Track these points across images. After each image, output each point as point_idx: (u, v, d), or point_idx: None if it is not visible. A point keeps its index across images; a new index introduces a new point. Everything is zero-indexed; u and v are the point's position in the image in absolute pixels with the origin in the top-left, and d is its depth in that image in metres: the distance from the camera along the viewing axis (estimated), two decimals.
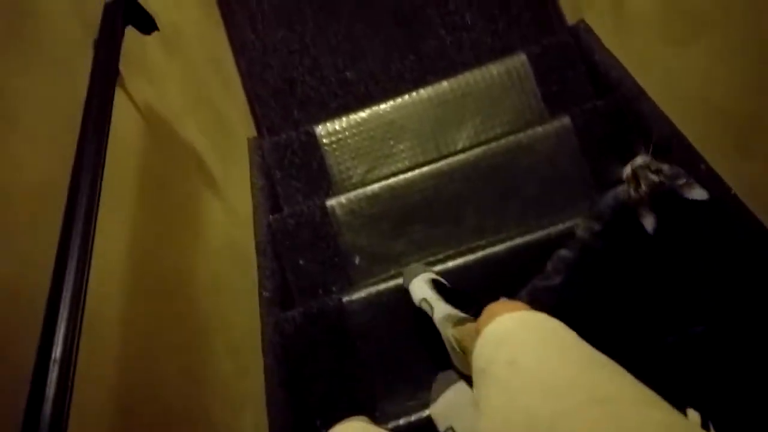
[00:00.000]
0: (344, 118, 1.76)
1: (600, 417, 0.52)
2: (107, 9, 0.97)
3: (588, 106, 1.52)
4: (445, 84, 1.74)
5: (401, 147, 1.73)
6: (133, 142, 1.03)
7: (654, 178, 1.12)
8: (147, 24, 1.05)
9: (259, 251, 1.46)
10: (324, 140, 1.75)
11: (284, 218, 1.54)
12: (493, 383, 0.63)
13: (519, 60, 1.73)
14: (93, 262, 0.72)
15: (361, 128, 1.75)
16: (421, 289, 1.27)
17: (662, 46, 1.32)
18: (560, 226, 1.34)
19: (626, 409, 0.52)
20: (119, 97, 1.01)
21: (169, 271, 1.04)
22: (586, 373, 0.58)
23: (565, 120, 1.52)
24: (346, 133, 1.75)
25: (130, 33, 1.06)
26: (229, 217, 1.37)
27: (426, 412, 1.19)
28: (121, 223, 0.94)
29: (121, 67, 1.01)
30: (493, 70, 1.74)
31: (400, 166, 1.72)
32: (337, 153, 1.75)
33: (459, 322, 1.13)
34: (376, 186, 1.55)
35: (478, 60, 1.91)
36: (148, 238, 0.99)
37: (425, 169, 1.54)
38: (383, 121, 1.75)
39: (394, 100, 1.76)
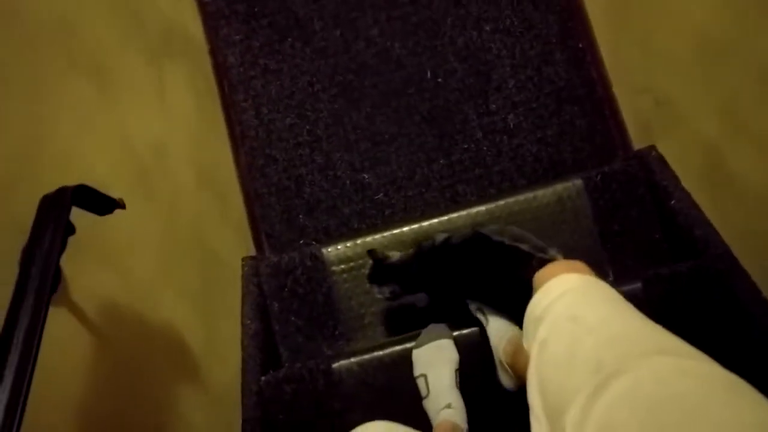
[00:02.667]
0: (359, 241, 1.46)
1: (666, 365, 0.54)
2: (41, 208, 0.67)
3: (665, 272, 1.23)
4: (482, 210, 1.45)
5: None
6: (76, 376, 0.73)
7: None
8: (104, 205, 0.75)
9: None
10: (333, 267, 1.45)
11: (279, 383, 1.23)
12: (553, 332, 0.66)
13: (574, 188, 1.44)
14: None
15: None
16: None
17: None
18: None
19: (690, 363, 0.55)
20: (57, 317, 0.71)
21: None
22: (646, 329, 0.61)
23: (636, 286, 1.23)
24: (360, 261, 1.45)
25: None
26: (212, 408, 1.07)
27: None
28: None
29: (65, 267, 0.72)
30: (542, 197, 1.45)
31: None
32: (347, 284, 1.45)
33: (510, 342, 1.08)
34: (396, 349, 1.25)
35: (520, 171, 1.62)
36: None
37: (460, 333, 1.24)
38: (406, 248, 1.45)
39: (419, 224, 1.46)
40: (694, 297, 1.19)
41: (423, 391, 1.18)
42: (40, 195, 0.70)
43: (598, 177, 1.43)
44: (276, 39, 1.73)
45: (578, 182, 1.44)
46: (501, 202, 1.44)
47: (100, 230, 0.83)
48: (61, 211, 0.65)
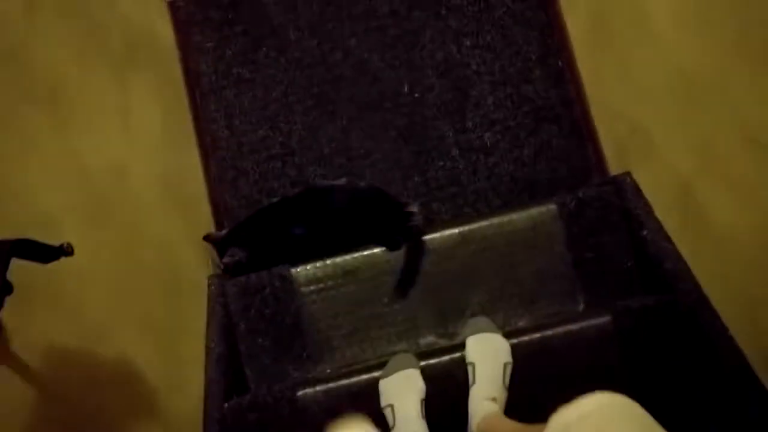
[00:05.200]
0: (329, 262, 1.43)
1: None
2: None
3: (636, 305, 1.22)
4: (456, 232, 1.43)
5: (396, 307, 1.41)
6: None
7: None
8: (48, 254, 0.72)
9: None
10: (303, 288, 1.42)
11: (243, 410, 1.21)
12: None
13: (548, 213, 1.42)
14: None
15: (350, 278, 1.42)
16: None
17: (748, 267, 1.03)
18: None
19: None
20: None
21: None
22: None
23: (605, 320, 1.22)
24: (330, 282, 1.42)
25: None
26: None
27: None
28: None
29: (6, 320, 0.68)
30: (516, 221, 1.42)
31: (391, 331, 1.40)
32: (316, 306, 1.42)
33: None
34: (362, 378, 1.23)
35: (495, 190, 1.60)
36: None
37: (426, 363, 1.22)
38: (378, 270, 1.42)
39: None
40: (662, 331, 1.19)
41: (390, 421, 1.17)
42: None
43: (573, 203, 1.41)
44: (250, 47, 1.68)
45: (552, 207, 1.42)
46: (474, 226, 1.42)
47: (48, 273, 0.79)
48: None
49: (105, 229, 0.98)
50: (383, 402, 1.19)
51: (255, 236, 1.43)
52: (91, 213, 0.95)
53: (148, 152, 1.26)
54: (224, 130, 1.64)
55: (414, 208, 1.43)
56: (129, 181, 1.11)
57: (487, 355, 1.20)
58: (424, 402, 1.17)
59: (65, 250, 0.72)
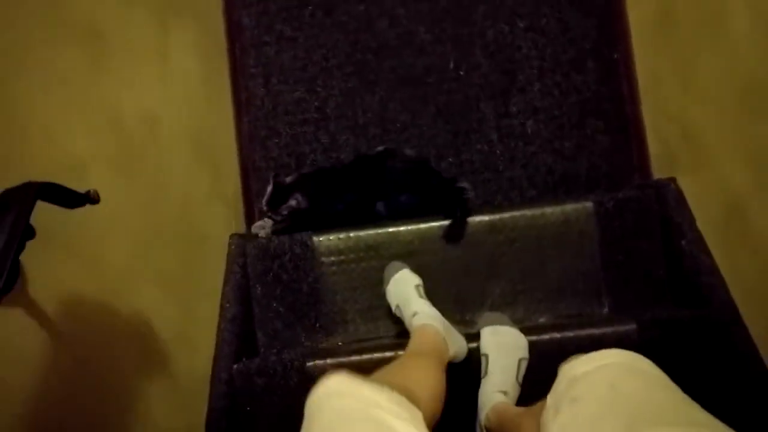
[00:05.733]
0: (352, 234, 1.40)
1: None
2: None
3: (664, 316, 1.17)
4: (486, 220, 1.38)
5: None
6: (29, 379, 0.69)
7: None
8: (74, 200, 0.69)
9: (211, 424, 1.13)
10: (323, 258, 1.40)
11: (251, 374, 1.20)
12: (588, 392, 0.67)
13: (584, 210, 1.37)
14: None
15: (372, 253, 1.39)
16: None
17: None
18: None
19: None
20: (11, 317, 0.67)
21: None
22: (681, 403, 0.62)
23: (630, 328, 1.17)
24: (351, 255, 1.40)
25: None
26: (176, 397, 1.04)
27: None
28: None
29: (25, 262, 0.67)
30: (550, 215, 1.37)
31: None
32: (335, 277, 1.40)
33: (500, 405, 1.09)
34: (374, 356, 1.21)
35: (530, 180, 1.55)
36: None
37: None
38: (401, 249, 1.39)
39: (417, 225, 1.40)
40: (690, 346, 1.14)
41: (401, 317, 1.24)
42: (11, 178, 0.64)
43: (611, 203, 1.35)
44: (296, 4, 1.63)
45: (588, 205, 1.37)
46: (506, 215, 1.38)
47: (72, 217, 0.77)
48: (19, 213, 0.59)
49: (131, 178, 0.96)
50: (392, 307, 1.28)
51: (318, 190, 1.43)
52: (118, 160, 0.92)
53: (183, 103, 1.23)
54: (261, 88, 1.61)
55: (465, 184, 1.41)
56: (160, 131, 1.09)
57: (502, 348, 1.19)
58: (419, 286, 1.27)
59: (92, 198, 0.70)
